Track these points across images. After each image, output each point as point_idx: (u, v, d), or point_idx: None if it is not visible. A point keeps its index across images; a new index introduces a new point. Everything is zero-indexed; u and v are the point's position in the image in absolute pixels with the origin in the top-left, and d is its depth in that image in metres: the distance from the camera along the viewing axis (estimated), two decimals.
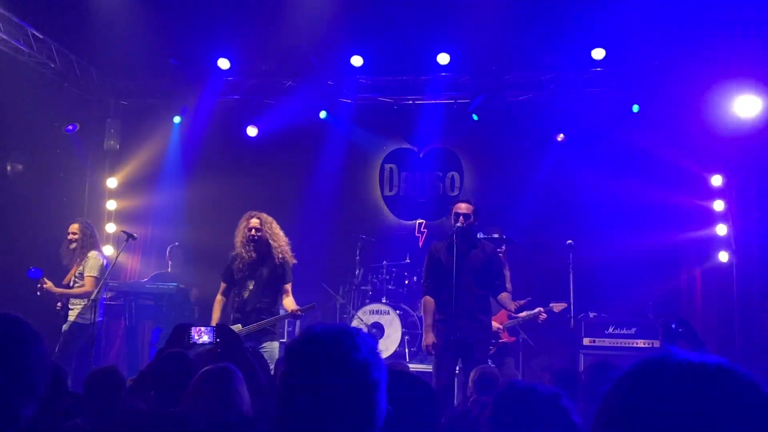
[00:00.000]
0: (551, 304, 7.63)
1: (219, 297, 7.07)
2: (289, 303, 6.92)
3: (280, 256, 6.90)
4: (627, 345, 8.80)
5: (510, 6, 8.73)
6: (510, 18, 8.75)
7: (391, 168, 11.31)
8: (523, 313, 7.53)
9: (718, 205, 9.69)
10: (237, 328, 6.67)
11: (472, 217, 6.62)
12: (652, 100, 9.39)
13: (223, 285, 7.10)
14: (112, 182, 10.89)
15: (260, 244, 6.91)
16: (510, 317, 7.61)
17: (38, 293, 7.62)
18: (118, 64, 10.17)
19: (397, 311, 9.42)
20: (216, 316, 6.90)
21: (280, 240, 7.00)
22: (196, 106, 10.29)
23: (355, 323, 9.13)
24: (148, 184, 10.72)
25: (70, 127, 9.98)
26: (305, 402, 1.72)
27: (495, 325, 7.12)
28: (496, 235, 7.84)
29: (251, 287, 6.86)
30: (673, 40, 9.09)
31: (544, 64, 9.68)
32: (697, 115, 9.73)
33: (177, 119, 10.38)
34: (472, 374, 5.54)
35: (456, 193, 10.83)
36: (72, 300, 7.85)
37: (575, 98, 10.00)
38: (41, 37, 9.30)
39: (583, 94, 9.99)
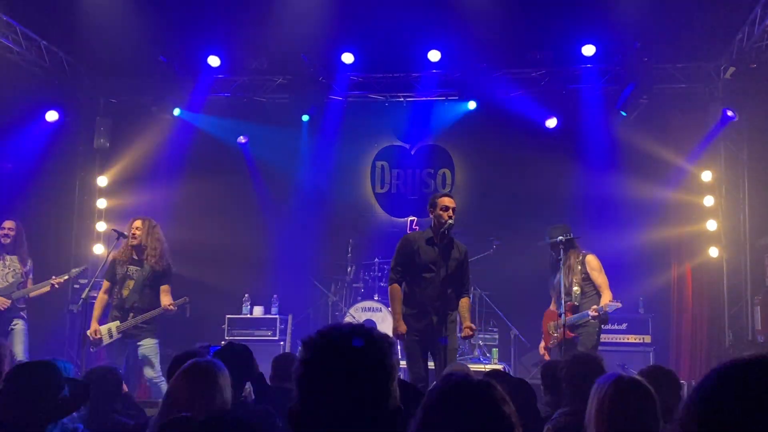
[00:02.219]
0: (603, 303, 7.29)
1: (101, 296, 7.52)
2: (164, 300, 7.43)
3: (154, 260, 7.40)
4: (618, 340, 8.87)
5: (499, 2, 8.74)
6: (500, 15, 8.76)
7: (382, 165, 11.31)
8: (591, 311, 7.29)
9: (708, 201, 9.73)
10: (115, 324, 7.26)
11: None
12: (641, 95, 9.40)
13: (106, 284, 7.53)
14: (102, 180, 10.84)
15: (139, 246, 7.45)
16: (573, 313, 7.33)
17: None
18: (107, 62, 10.12)
19: (389, 308, 9.41)
20: (96, 314, 7.38)
21: (156, 244, 7.49)
22: (187, 104, 10.26)
23: (347, 320, 9.13)
24: (138, 183, 10.68)
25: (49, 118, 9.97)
26: (328, 397, 1.73)
27: (554, 324, 6.98)
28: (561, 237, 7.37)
29: (131, 286, 7.35)
30: (663, 36, 9.13)
31: (535, 60, 9.69)
32: (688, 110, 9.79)
33: (177, 111, 10.32)
34: (442, 375, 5.45)
35: (448, 190, 10.81)
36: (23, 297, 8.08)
37: (566, 94, 10.03)
38: (31, 35, 9.26)
39: (573, 90, 10.02)
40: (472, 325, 6.44)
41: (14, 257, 8.11)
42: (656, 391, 2.98)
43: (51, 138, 9.99)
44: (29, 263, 8.23)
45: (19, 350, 7.61)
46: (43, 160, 9.90)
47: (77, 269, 8.32)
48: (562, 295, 7.19)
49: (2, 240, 8.09)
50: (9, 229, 8.14)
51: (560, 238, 7.39)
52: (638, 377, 2.98)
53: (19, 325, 7.92)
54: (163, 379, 7.16)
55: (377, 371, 1.77)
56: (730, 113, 9.08)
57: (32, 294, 8.03)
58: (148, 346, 7.31)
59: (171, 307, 7.35)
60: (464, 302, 6.50)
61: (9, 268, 8.05)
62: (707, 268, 9.74)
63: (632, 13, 8.67)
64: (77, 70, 10.33)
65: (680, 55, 9.59)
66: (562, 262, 7.32)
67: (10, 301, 7.86)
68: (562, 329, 7.08)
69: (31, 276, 8.20)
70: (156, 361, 7.32)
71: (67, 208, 10.69)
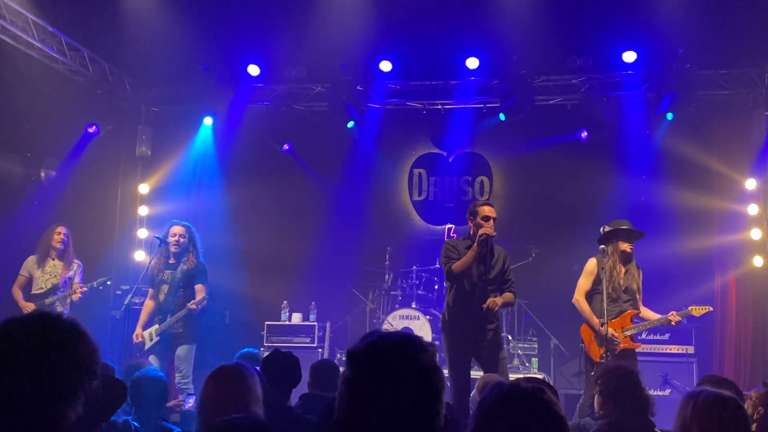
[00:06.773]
0: (691, 307, 6.94)
1: (147, 302, 7.74)
2: (197, 299, 7.50)
3: (189, 262, 7.56)
4: (661, 351, 8.72)
5: (539, 9, 8.69)
6: (539, 21, 8.71)
7: (420, 173, 11.31)
8: (655, 317, 6.86)
9: (753, 209, 9.54)
10: (155, 328, 7.49)
11: None
12: (684, 102, 9.27)
13: (150, 291, 7.75)
14: (143, 188, 10.98)
15: (180, 252, 7.61)
16: (635, 322, 6.86)
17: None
18: (149, 71, 10.29)
19: (427, 316, 9.39)
20: (142, 320, 7.61)
21: (194, 248, 7.68)
22: (227, 112, 10.36)
23: (385, 328, 9.12)
24: (179, 190, 10.80)
25: (91, 130, 10.08)
26: (370, 408, 1.71)
27: (611, 331, 6.49)
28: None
29: (165, 291, 7.52)
30: (705, 41, 9.00)
31: (575, 67, 9.60)
32: (731, 117, 9.63)
33: (208, 121, 10.43)
34: (477, 383, 5.43)
35: (486, 197, 10.78)
36: (60, 303, 8.07)
37: (606, 101, 9.93)
38: (75, 45, 9.44)
39: (614, 97, 9.91)
40: (497, 301, 6.21)
41: (60, 263, 8.19)
42: None
43: (94, 146, 10.15)
44: (74, 266, 8.26)
45: None
46: (86, 167, 10.06)
47: (100, 279, 8.19)
48: (621, 301, 6.71)
49: (57, 245, 8.18)
50: (64, 234, 8.26)
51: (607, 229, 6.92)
52: (726, 392, 2.85)
53: None
54: (190, 385, 7.24)
55: (426, 387, 1.74)
56: None
57: (48, 302, 7.94)
58: (181, 352, 7.46)
59: (191, 306, 7.37)
60: (508, 295, 6.44)
61: (50, 274, 8.13)
62: (751, 277, 9.55)
63: (674, 20, 8.56)
64: (120, 79, 10.48)
65: (723, 61, 9.43)
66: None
67: (33, 306, 7.87)
68: (623, 339, 6.60)
69: (77, 280, 8.20)
70: (185, 366, 7.38)
71: (109, 215, 10.84)
